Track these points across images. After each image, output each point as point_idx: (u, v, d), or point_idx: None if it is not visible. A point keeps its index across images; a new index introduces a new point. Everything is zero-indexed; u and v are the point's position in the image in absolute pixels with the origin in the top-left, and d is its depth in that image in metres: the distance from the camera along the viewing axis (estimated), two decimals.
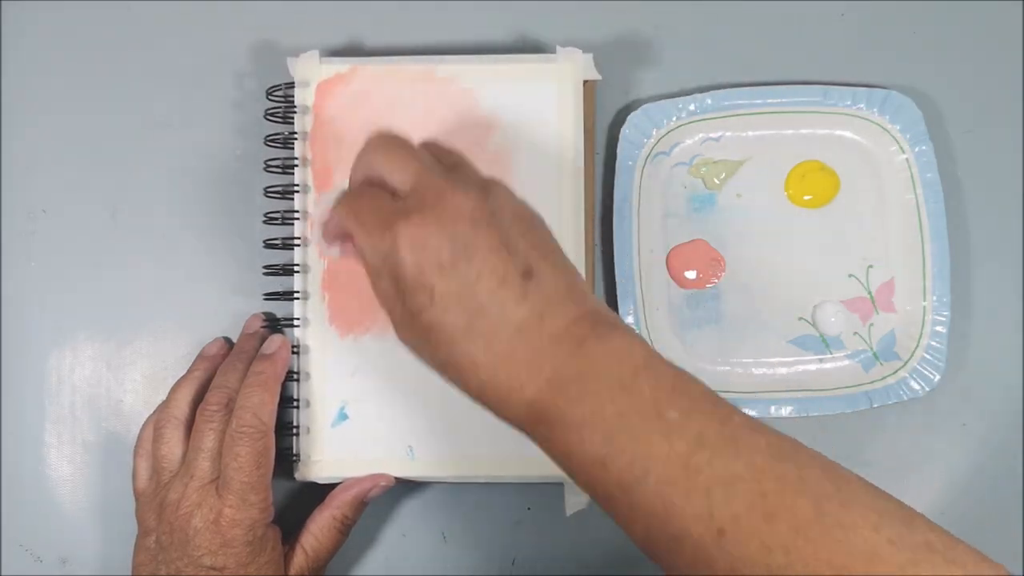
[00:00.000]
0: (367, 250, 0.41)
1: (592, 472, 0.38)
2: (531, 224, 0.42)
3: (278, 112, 0.54)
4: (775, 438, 0.38)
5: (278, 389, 0.50)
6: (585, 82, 0.53)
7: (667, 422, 0.37)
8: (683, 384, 0.39)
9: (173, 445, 0.50)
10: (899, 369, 0.54)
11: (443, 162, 0.44)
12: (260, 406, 0.48)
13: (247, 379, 0.50)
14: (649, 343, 0.41)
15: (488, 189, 0.41)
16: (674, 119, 0.55)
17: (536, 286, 0.40)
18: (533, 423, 0.40)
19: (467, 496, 0.55)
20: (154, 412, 0.52)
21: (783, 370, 0.55)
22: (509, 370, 0.39)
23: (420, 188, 0.41)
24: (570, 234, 0.52)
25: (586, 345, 0.39)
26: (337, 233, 0.45)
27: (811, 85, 0.55)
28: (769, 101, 0.55)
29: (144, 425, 0.52)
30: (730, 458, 0.36)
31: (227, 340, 0.55)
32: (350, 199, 0.43)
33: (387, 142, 0.43)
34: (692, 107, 0.55)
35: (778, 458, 0.37)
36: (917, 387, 0.54)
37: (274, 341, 0.52)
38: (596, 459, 0.37)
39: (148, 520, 0.49)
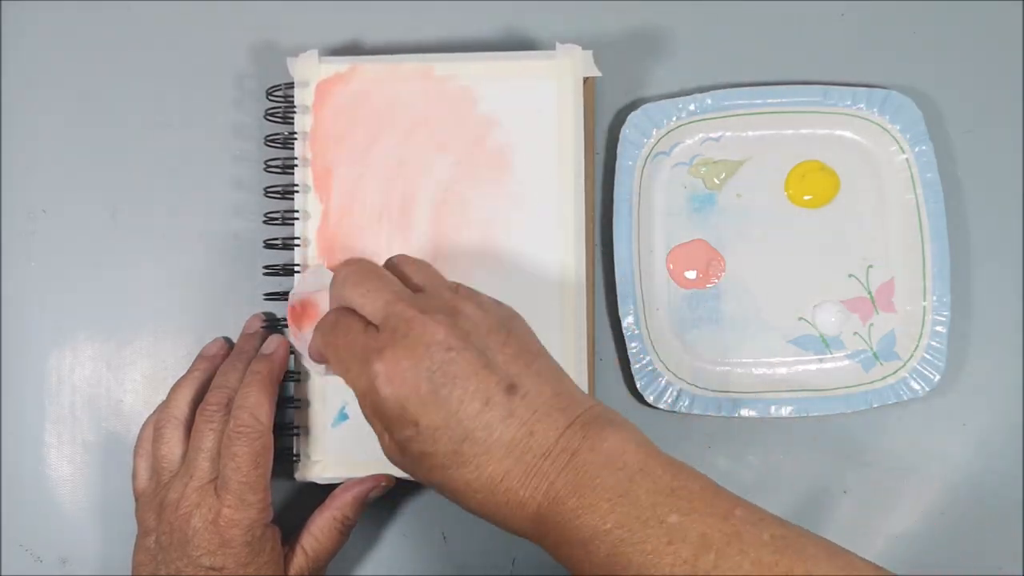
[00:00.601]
0: (349, 385, 0.43)
1: None
2: (509, 333, 0.42)
3: (278, 112, 0.54)
4: (779, 529, 0.38)
5: (276, 389, 0.50)
6: (585, 79, 0.53)
7: (668, 527, 0.37)
8: (681, 483, 0.39)
9: (173, 445, 0.50)
10: (899, 369, 0.54)
11: (413, 281, 0.45)
12: (257, 406, 0.48)
13: (245, 379, 0.50)
14: (635, 429, 0.41)
15: (458, 310, 0.42)
16: (674, 119, 0.55)
17: (521, 400, 0.40)
18: (538, 537, 0.40)
19: None
20: (154, 412, 0.52)
21: (783, 370, 0.55)
22: (506, 489, 0.40)
23: (391, 321, 0.42)
24: (570, 233, 0.52)
25: (579, 456, 0.39)
26: (320, 357, 0.46)
27: (811, 85, 0.55)
28: (769, 101, 0.55)
29: (144, 425, 0.52)
30: (736, 557, 0.37)
31: (227, 340, 0.55)
32: (327, 331, 0.44)
33: (355, 273, 0.44)
34: (692, 107, 0.55)
35: (783, 551, 0.37)
36: (917, 387, 0.53)
37: (272, 341, 0.52)
38: (604, 572, 0.38)
39: (148, 520, 0.49)
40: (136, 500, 0.51)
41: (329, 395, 0.52)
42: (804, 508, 0.55)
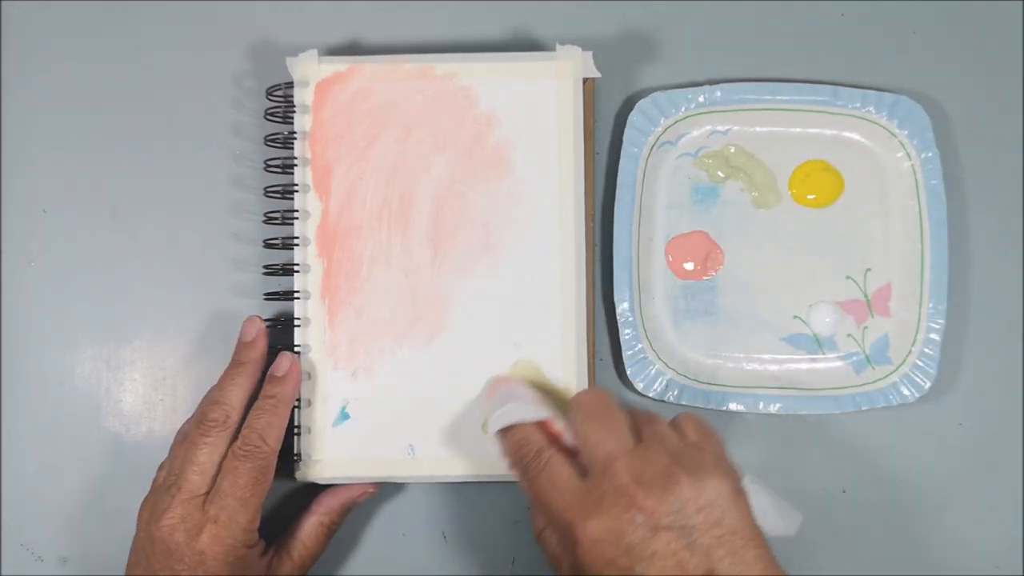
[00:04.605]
0: (544, 539, 0.45)
1: None
2: (722, 513, 0.41)
3: (278, 112, 0.54)
4: None
5: (288, 411, 0.50)
6: (585, 80, 0.53)
7: None
8: None
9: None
10: (890, 374, 0.54)
11: (639, 428, 0.45)
12: (267, 428, 0.49)
13: (259, 402, 0.50)
14: None
15: (674, 480, 0.41)
16: (683, 109, 0.55)
17: None
18: None
19: (467, 496, 0.55)
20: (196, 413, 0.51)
21: (774, 367, 0.55)
22: None
23: (603, 483, 0.42)
24: (570, 233, 0.52)
25: None
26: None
27: (821, 84, 0.55)
28: (779, 98, 0.55)
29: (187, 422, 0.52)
30: None
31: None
32: (533, 470, 0.45)
33: (592, 412, 0.45)
34: (701, 99, 0.55)
35: None
36: (907, 393, 0.53)
37: (284, 361, 0.51)
38: None
39: (139, 521, 0.49)
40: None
41: (330, 395, 0.52)
42: (803, 507, 0.55)
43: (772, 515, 0.45)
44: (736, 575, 0.40)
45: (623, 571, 0.40)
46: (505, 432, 0.47)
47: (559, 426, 0.46)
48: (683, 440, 0.45)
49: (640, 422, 0.45)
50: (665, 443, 0.44)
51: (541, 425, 0.47)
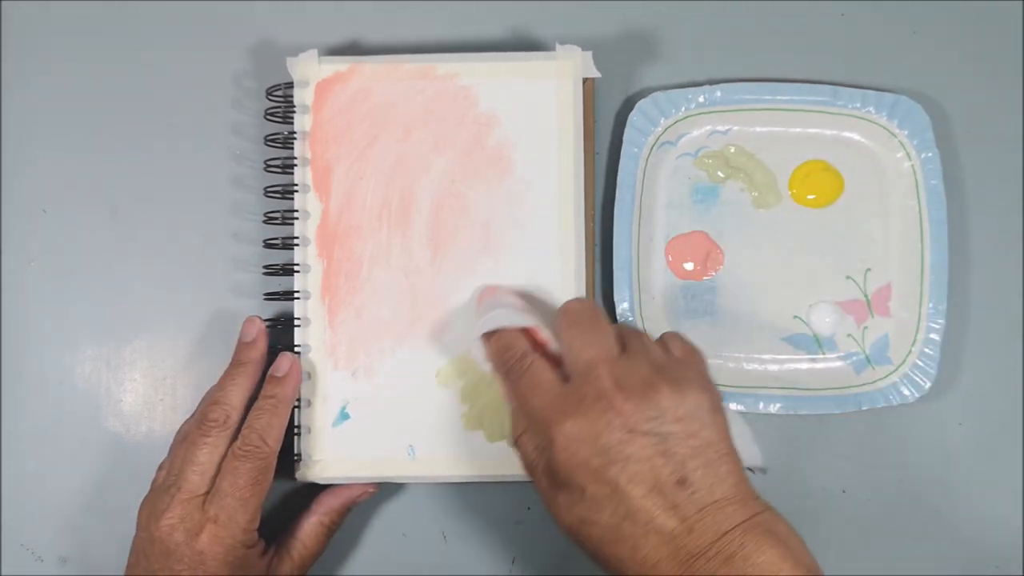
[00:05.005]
0: (522, 444, 0.44)
1: None
2: (700, 426, 0.42)
3: (278, 112, 0.54)
4: None
5: (288, 412, 0.50)
6: (585, 80, 0.53)
7: None
8: None
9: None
10: (890, 374, 0.54)
11: (625, 339, 0.45)
12: (267, 428, 0.49)
13: (258, 402, 0.50)
14: (800, 546, 0.41)
15: (655, 389, 0.42)
16: (683, 109, 0.55)
17: (689, 496, 0.40)
18: None
19: (467, 496, 0.55)
20: (196, 412, 0.51)
21: (774, 367, 0.55)
22: None
23: (583, 384, 0.42)
24: (570, 233, 0.52)
25: (732, 563, 0.39)
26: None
27: (821, 84, 0.55)
28: (779, 98, 0.55)
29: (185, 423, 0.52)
30: None
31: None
32: (516, 373, 0.45)
33: (577, 319, 0.45)
34: (701, 99, 0.55)
35: None
36: (907, 393, 0.53)
37: (285, 361, 0.51)
38: None
39: (139, 520, 0.49)
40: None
41: (330, 395, 0.52)
42: (803, 507, 0.55)
43: (746, 443, 0.46)
44: (706, 485, 0.40)
45: (596, 471, 0.40)
46: (490, 336, 0.47)
47: (545, 335, 0.46)
48: (668, 355, 0.45)
49: (626, 334, 0.45)
50: (649, 355, 0.44)
51: (527, 332, 0.47)
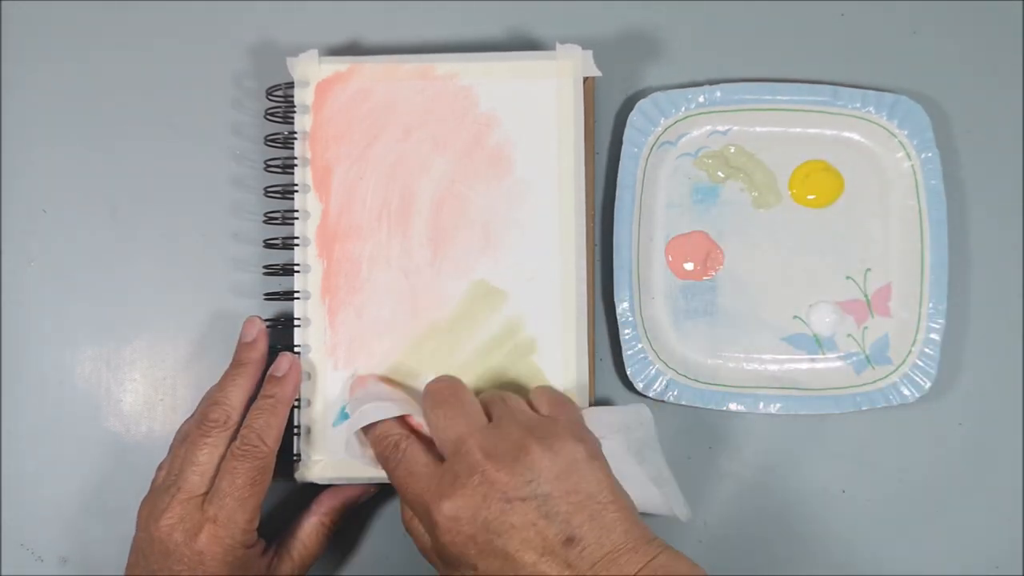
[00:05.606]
0: (412, 529, 0.46)
1: None
2: (579, 479, 0.42)
3: (278, 112, 0.54)
4: None
5: (287, 412, 0.50)
6: (585, 79, 0.53)
7: None
8: None
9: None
10: (890, 374, 0.54)
11: (490, 408, 0.45)
12: (266, 428, 0.49)
13: (257, 402, 0.50)
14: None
15: (526, 451, 0.42)
16: (683, 109, 0.55)
17: (579, 554, 0.40)
18: None
19: None
20: (196, 412, 0.51)
21: (774, 367, 0.55)
22: None
23: (456, 463, 0.43)
24: (570, 233, 0.52)
25: None
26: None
27: (821, 84, 0.55)
28: (779, 98, 0.55)
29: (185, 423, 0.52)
30: None
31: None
32: (393, 459, 0.46)
33: (440, 399, 0.46)
34: (701, 99, 0.55)
35: None
36: (908, 393, 0.53)
37: (284, 361, 0.51)
38: None
39: (139, 520, 0.49)
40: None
41: (330, 395, 0.52)
42: (803, 507, 0.55)
43: (669, 490, 0.46)
44: (595, 539, 0.40)
45: (483, 546, 0.41)
46: (367, 429, 0.48)
47: (418, 419, 0.47)
48: (536, 413, 0.45)
49: (491, 402, 0.46)
50: (516, 418, 0.44)
51: (401, 420, 0.48)
